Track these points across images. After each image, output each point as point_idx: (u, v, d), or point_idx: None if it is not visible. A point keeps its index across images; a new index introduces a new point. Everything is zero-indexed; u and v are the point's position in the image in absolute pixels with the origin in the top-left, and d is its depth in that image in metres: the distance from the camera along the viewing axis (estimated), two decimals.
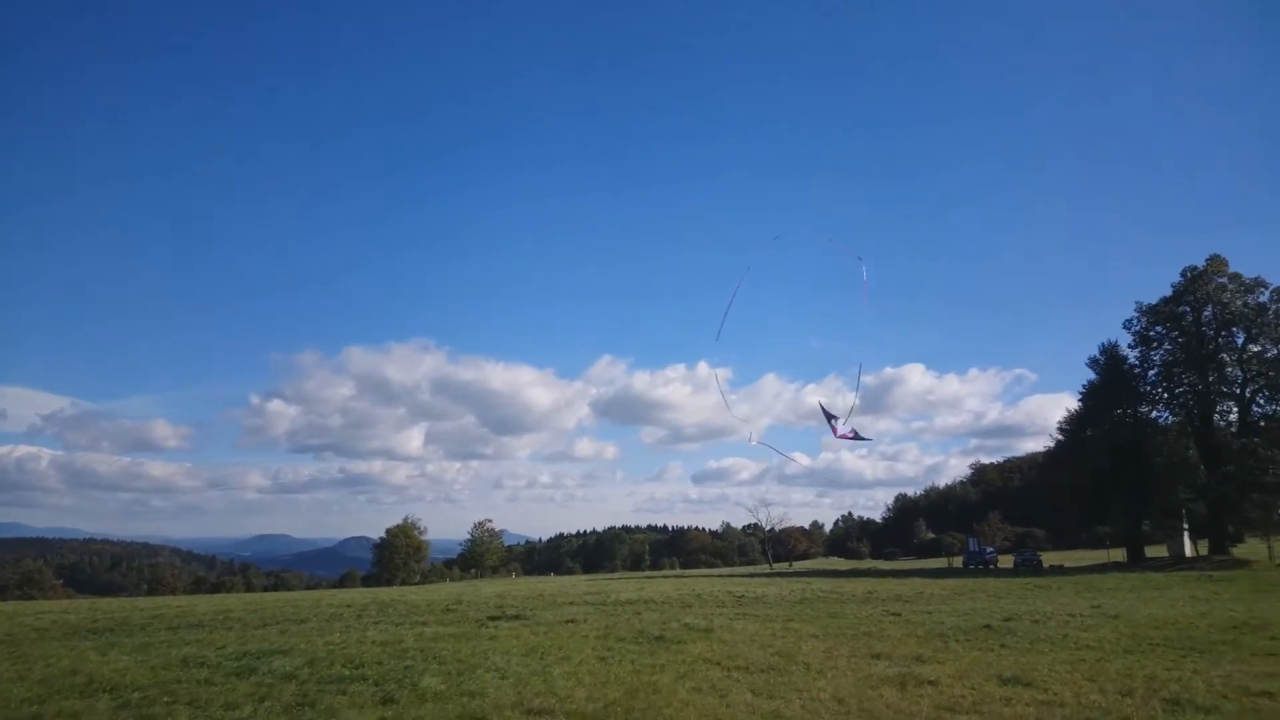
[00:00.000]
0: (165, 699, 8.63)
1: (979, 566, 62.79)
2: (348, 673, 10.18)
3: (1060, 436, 62.62)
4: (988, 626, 15.26)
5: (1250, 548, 53.36)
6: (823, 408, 17.55)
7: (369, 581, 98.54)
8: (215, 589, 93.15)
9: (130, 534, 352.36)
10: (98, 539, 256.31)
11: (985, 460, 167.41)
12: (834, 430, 16.82)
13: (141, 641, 14.61)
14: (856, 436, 17.42)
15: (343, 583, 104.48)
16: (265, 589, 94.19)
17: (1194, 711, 8.06)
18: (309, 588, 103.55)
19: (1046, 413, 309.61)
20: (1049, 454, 69.56)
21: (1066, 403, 62.05)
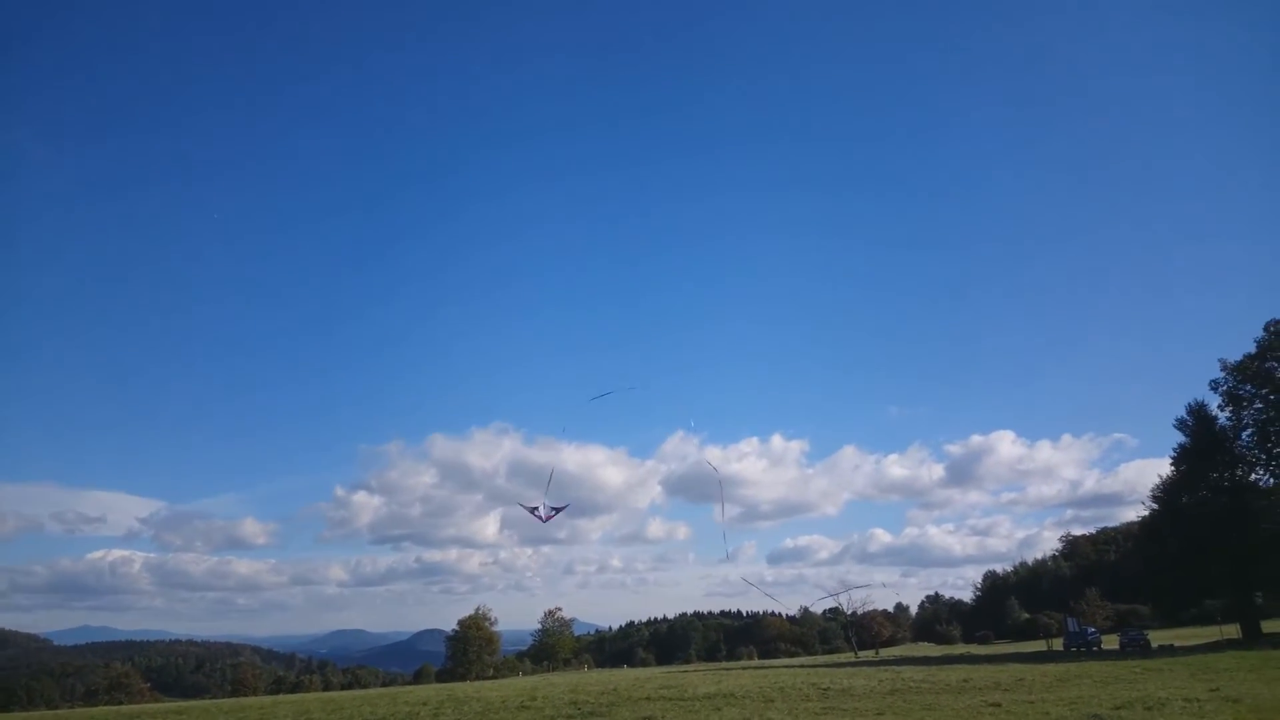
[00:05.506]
0: None
1: (1081, 649, 58.75)
2: None
3: (1155, 505, 59.21)
4: (1098, 716, 14.47)
5: None
6: (521, 506, 21.33)
7: (443, 676, 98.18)
8: (294, 688, 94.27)
9: (214, 633, 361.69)
10: (183, 640, 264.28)
11: (1077, 532, 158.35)
12: (540, 518, 21.73)
13: None
14: (556, 511, 22.85)
15: (417, 678, 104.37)
16: (342, 687, 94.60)
17: None
18: (385, 684, 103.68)
19: (1148, 479, 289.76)
20: (1145, 523, 65.45)
21: (1168, 468, 58.64)
